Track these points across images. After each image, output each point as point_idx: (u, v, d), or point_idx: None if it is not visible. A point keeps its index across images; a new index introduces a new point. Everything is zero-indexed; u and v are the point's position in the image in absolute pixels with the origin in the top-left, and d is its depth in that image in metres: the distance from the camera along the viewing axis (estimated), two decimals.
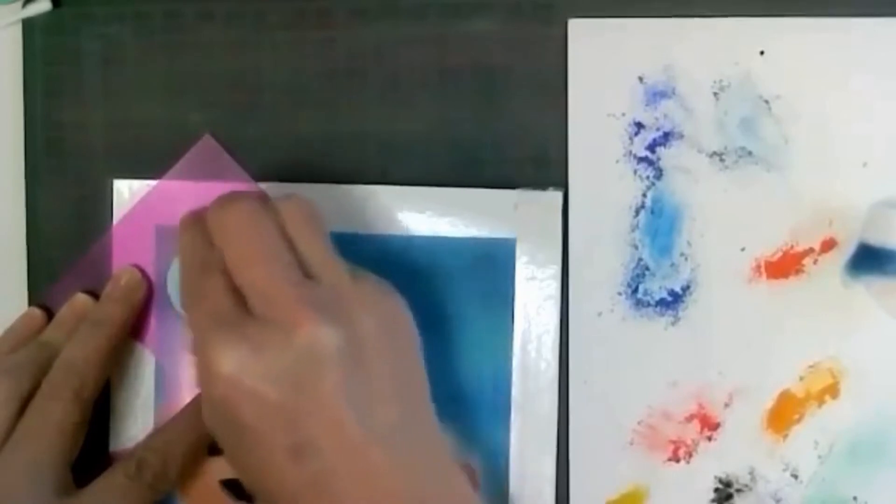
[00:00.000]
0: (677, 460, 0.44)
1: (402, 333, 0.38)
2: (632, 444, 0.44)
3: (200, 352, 0.36)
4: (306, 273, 0.36)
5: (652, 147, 0.44)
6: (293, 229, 0.37)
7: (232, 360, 0.34)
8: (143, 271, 0.45)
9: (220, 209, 0.38)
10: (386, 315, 0.37)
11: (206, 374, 0.35)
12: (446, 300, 0.44)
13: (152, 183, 0.45)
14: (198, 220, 0.39)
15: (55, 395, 0.42)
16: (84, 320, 0.44)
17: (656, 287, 0.44)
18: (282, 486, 0.35)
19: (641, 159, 0.44)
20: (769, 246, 0.43)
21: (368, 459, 0.35)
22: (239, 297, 0.36)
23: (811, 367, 0.43)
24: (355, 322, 0.36)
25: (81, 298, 0.46)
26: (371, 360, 0.36)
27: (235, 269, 0.37)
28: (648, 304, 0.44)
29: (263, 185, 0.45)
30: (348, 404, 0.35)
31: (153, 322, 0.46)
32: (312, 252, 0.37)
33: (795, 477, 0.43)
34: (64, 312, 0.46)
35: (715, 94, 0.43)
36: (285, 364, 0.34)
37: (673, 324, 0.44)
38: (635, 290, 0.44)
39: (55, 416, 0.41)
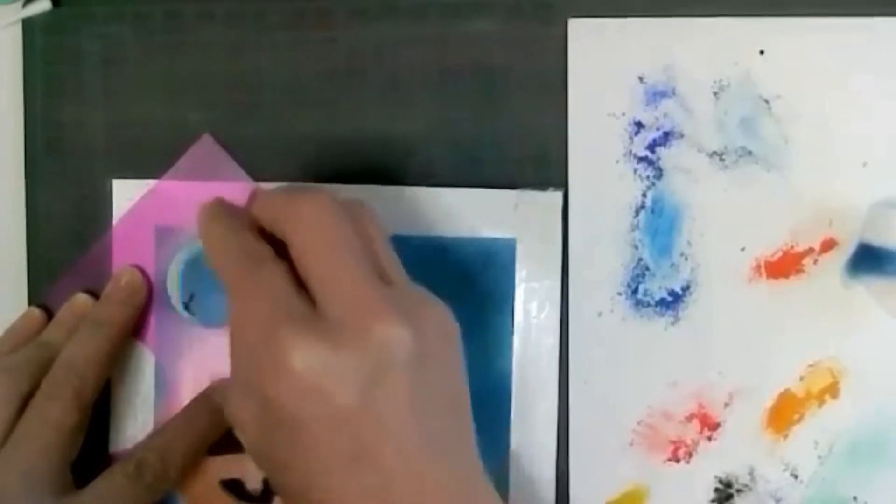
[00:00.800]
0: (677, 460, 0.44)
1: (454, 346, 0.37)
2: (632, 444, 0.44)
3: (267, 343, 0.34)
4: (384, 276, 0.36)
5: (652, 147, 0.44)
6: (365, 231, 0.36)
7: (306, 357, 0.33)
8: (143, 271, 0.45)
9: (294, 199, 0.36)
10: (444, 325, 0.36)
11: (271, 366, 0.33)
12: (446, 300, 0.44)
13: (152, 183, 0.45)
14: (233, 211, 0.38)
15: (55, 396, 0.42)
16: (84, 320, 0.44)
17: (656, 287, 0.44)
18: (330, 491, 0.34)
19: (641, 159, 0.44)
20: (769, 246, 0.43)
21: (424, 472, 0.34)
22: (303, 290, 0.35)
23: (811, 366, 0.43)
24: (424, 329, 0.35)
25: (81, 298, 0.46)
26: (433, 369, 0.35)
27: (307, 262, 0.35)
28: (648, 305, 0.44)
29: (263, 186, 0.45)
30: (413, 413, 0.34)
31: (153, 322, 0.46)
32: (383, 255, 0.36)
33: (795, 477, 0.43)
34: (64, 312, 0.45)
35: (715, 94, 0.43)
36: (360, 365, 0.33)
37: (673, 324, 0.44)
38: (635, 291, 0.44)
39: (55, 416, 0.41)
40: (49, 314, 0.46)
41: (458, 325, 0.37)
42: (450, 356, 0.36)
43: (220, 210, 0.38)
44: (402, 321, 0.34)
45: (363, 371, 0.33)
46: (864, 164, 0.43)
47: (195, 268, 0.45)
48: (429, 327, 0.35)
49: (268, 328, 0.34)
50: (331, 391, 0.33)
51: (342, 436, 0.33)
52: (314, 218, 0.35)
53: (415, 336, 0.34)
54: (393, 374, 0.33)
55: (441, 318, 0.36)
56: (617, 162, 0.44)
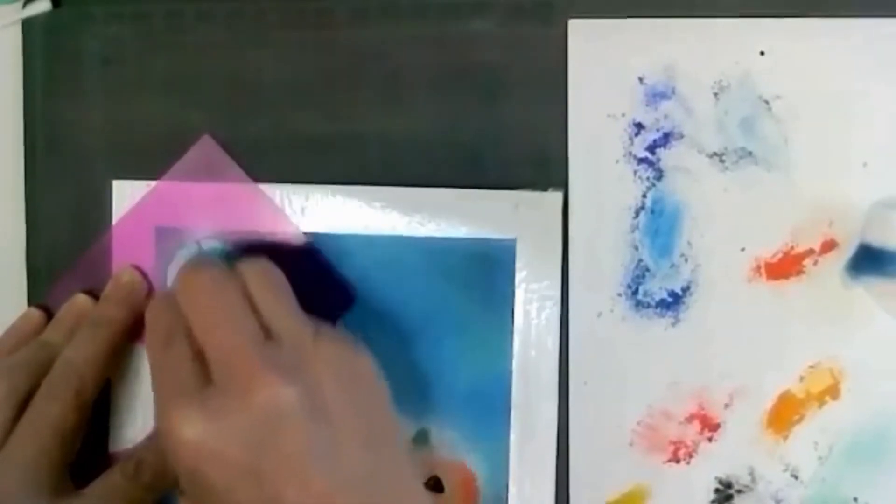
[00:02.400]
0: (677, 461, 0.44)
1: (366, 386, 0.38)
2: (632, 444, 0.44)
3: (163, 422, 0.37)
4: (269, 334, 0.38)
5: (652, 147, 0.44)
6: (257, 292, 0.39)
7: (194, 428, 0.35)
8: (142, 272, 0.45)
9: (186, 276, 0.39)
10: (348, 370, 0.38)
11: (171, 443, 0.36)
12: (446, 300, 0.44)
13: (152, 183, 0.45)
14: (164, 296, 0.41)
15: (55, 396, 0.42)
16: (84, 321, 0.44)
17: (656, 288, 0.44)
18: None
19: (641, 160, 0.44)
20: (769, 246, 0.43)
21: None
22: (201, 363, 0.37)
23: (811, 367, 0.43)
24: (315, 379, 0.37)
25: (81, 299, 0.46)
26: (334, 414, 0.36)
27: (200, 334, 0.38)
28: (648, 305, 0.44)
29: (263, 186, 0.45)
30: (312, 459, 0.35)
31: None
32: (274, 313, 0.38)
33: (795, 477, 0.43)
34: (63, 313, 0.45)
35: (715, 94, 0.43)
36: (247, 426, 0.35)
37: (673, 324, 0.44)
38: (635, 291, 0.44)
39: (54, 417, 0.41)
40: (49, 314, 0.46)
41: (372, 367, 0.39)
42: (360, 398, 0.38)
43: (158, 296, 0.43)
44: (285, 380, 0.36)
45: (250, 432, 0.35)
46: (864, 164, 0.43)
47: None
48: (326, 376, 0.37)
49: (164, 404, 0.37)
50: (226, 452, 0.35)
51: (248, 489, 0.35)
52: (201, 292, 0.39)
53: (303, 389, 0.36)
54: (284, 429, 0.35)
55: (348, 364, 0.38)
56: (617, 162, 0.44)
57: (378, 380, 0.39)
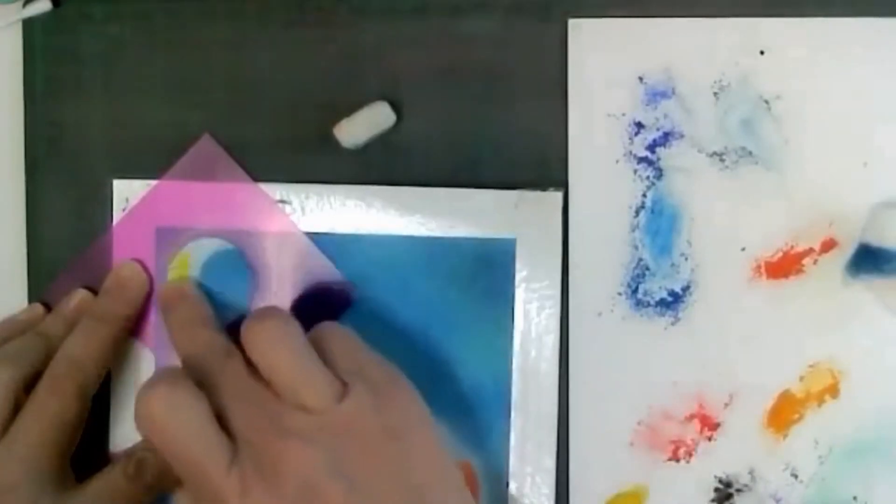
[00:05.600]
0: (677, 460, 0.44)
1: (402, 439, 0.37)
2: (632, 444, 0.44)
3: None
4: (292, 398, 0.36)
5: (652, 147, 0.44)
6: (267, 354, 0.38)
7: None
8: (144, 266, 0.45)
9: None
10: (378, 426, 0.36)
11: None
12: (446, 300, 0.44)
13: (152, 183, 0.45)
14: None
15: (57, 390, 0.42)
16: (85, 315, 0.44)
17: (656, 287, 0.44)
18: None
19: (641, 159, 0.44)
20: (769, 246, 0.43)
21: None
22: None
23: (811, 367, 0.43)
24: (347, 440, 0.35)
25: (81, 293, 0.45)
26: (376, 468, 0.35)
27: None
28: (648, 305, 0.44)
29: (263, 186, 0.45)
30: None
31: (153, 321, 0.46)
32: (286, 376, 0.37)
33: (795, 477, 0.43)
34: (63, 305, 0.45)
35: (715, 94, 0.43)
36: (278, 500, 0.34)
37: (673, 324, 0.44)
38: (635, 291, 0.44)
39: (56, 410, 0.41)
40: (49, 312, 0.46)
41: (417, 409, 0.38)
42: (387, 455, 0.36)
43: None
44: (310, 444, 0.35)
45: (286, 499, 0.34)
46: (864, 164, 0.43)
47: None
48: (345, 438, 0.35)
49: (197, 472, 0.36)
50: None
51: None
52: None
53: (331, 454, 0.35)
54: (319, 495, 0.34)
55: (368, 420, 0.36)
56: (617, 162, 0.44)
57: (422, 426, 0.37)
